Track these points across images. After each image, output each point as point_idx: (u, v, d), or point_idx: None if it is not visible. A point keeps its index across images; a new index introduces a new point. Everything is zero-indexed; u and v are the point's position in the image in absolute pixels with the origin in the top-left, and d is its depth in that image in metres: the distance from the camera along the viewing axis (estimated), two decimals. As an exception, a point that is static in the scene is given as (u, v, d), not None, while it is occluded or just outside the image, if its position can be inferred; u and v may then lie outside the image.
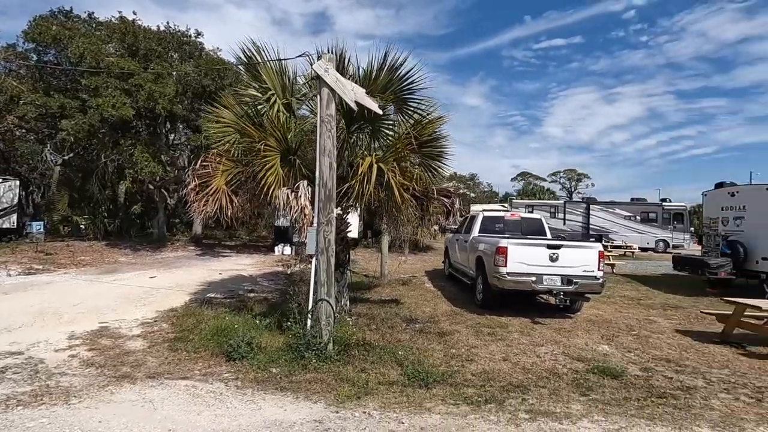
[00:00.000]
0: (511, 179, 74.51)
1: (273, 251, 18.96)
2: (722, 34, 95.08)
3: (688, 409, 4.01)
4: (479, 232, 9.29)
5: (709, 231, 12.20)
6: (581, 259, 7.27)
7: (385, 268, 11.40)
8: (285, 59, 6.06)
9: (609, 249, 24.25)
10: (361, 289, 10.32)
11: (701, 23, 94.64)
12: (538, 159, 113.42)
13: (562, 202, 30.02)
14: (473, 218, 9.90)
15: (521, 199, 43.20)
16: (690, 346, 6.25)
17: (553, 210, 28.88)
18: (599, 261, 7.29)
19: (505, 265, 7.24)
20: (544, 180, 74.54)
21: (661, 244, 26.71)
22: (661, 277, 14.29)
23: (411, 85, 6.34)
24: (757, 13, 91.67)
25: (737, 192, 11.04)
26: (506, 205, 33.11)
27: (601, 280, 7.29)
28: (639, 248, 24.33)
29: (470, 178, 67.92)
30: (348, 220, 7.57)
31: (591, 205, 28.29)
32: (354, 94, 5.31)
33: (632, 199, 29.08)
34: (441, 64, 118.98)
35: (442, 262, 13.66)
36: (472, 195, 65.00)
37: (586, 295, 7.71)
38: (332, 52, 5.80)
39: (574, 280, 7.18)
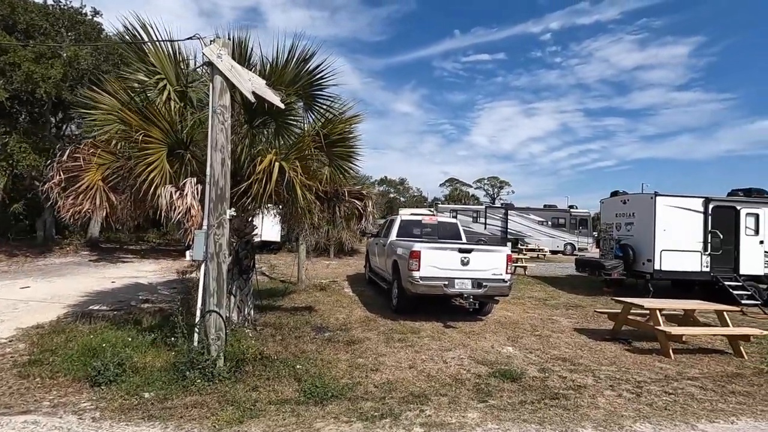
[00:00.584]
0: (440, 185, 77.31)
1: (185, 256, 17.44)
2: (621, 62, 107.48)
3: (576, 409, 4.11)
4: (397, 236, 9.20)
5: (605, 235, 13.36)
6: (491, 263, 7.42)
7: (303, 273, 10.89)
8: (175, 41, 5.40)
9: (524, 252, 25.95)
10: (275, 296, 9.73)
11: (605, 50, 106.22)
12: (466, 166, 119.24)
13: (483, 207, 31.51)
14: (392, 222, 9.80)
15: (447, 204, 44.81)
16: (585, 344, 6.60)
17: (475, 215, 30.18)
18: (507, 264, 7.50)
19: (418, 269, 7.17)
20: (470, 186, 78.40)
21: (568, 247, 29.09)
22: (566, 278, 15.39)
23: (321, 81, 6.02)
24: (648, 46, 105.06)
25: (628, 200, 12.20)
26: (433, 209, 34.02)
27: (509, 283, 7.50)
28: (550, 251, 26.26)
29: (400, 183, 69.27)
30: (255, 223, 7.03)
31: (509, 211, 30.00)
32: (252, 84, 4.84)
33: (545, 206, 31.36)
34: (376, 71, 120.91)
35: (364, 266, 13.46)
36: (402, 199, 66.37)
37: (495, 298, 7.91)
38: (231, 39, 5.27)
39: (484, 284, 7.31)
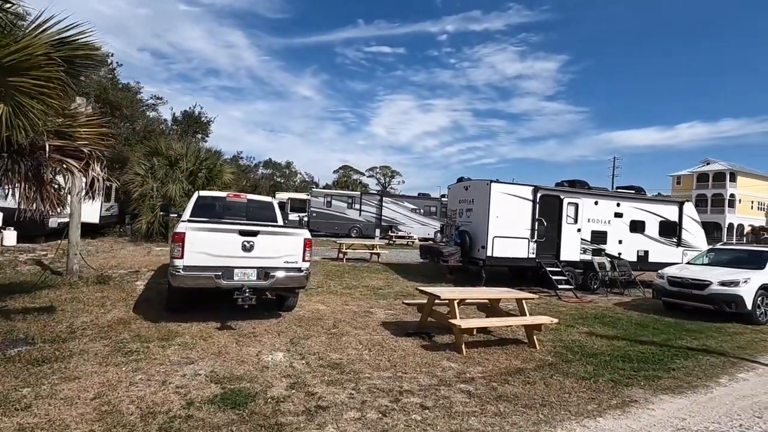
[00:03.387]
0: (333, 171, 76.00)
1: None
2: (505, 69, 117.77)
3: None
4: (190, 216, 7.37)
5: (450, 222, 13.20)
6: (283, 249, 6.11)
7: (75, 261, 8.41)
8: None
9: (394, 239, 25.91)
10: (22, 292, 7.21)
11: (492, 57, 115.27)
12: (365, 155, 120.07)
13: (358, 193, 30.80)
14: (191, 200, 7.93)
15: (323, 189, 43.57)
16: (379, 343, 5.68)
17: (350, 201, 29.31)
18: (305, 250, 6.26)
19: (181, 257, 5.52)
20: (363, 174, 78.66)
21: (438, 234, 29.94)
22: (418, 265, 15.10)
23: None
24: (526, 58, 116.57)
25: (469, 186, 12.08)
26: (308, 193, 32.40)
27: (306, 272, 6.28)
28: (420, 238, 26.61)
29: (286, 166, 65.92)
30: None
31: (384, 198, 29.78)
32: None
33: (419, 194, 31.87)
34: (275, 49, 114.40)
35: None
36: (287, 183, 63.18)
37: (296, 291, 6.67)
38: None
39: (272, 273, 5.97)
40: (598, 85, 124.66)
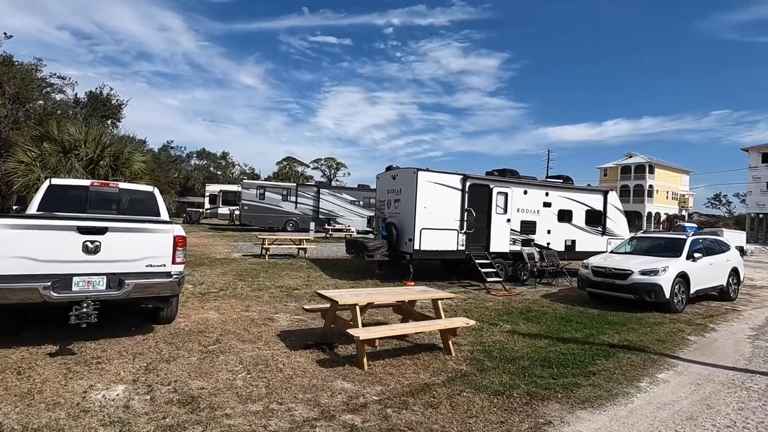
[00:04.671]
0: (276, 163, 73.23)
1: None
2: (450, 64, 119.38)
3: None
4: (38, 211, 5.87)
5: (378, 213, 12.40)
6: (144, 249, 4.88)
7: None
8: None
9: (330, 232, 24.80)
10: None
11: (437, 52, 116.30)
12: (312, 148, 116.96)
13: (294, 185, 29.22)
14: (40, 190, 6.38)
15: (254, 180, 41.41)
16: (265, 361, 4.68)
17: (285, 193, 27.72)
18: (176, 250, 5.08)
19: (-12, 264, 4.14)
20: (308, 166, 76.74)
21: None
22: (347, 260, 14.20)
23: None
24: (469, 54, 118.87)
25: (397, 175, 11.31)
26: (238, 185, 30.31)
27: (178, 277, 5.10)
28: (358, 231, 25.71)
29: (222, 157, 62.15)
30: None
31: (321, 190, 28.50)
32: None
33: (359, 186, 30.93)
34: (216, 35, 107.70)
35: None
36: (224, 174, 59.56)
37: (170, 299, 5.45)
38: None
39: (128, 281, 4.73)
40: (536, 82, 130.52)
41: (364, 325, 5.01)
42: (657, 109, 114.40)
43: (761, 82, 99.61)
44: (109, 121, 23.41)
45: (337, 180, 75.84)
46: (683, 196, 59.24)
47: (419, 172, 10.21)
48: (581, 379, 4.59)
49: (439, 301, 5.71)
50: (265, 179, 62.89)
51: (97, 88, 23.18)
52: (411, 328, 5.14)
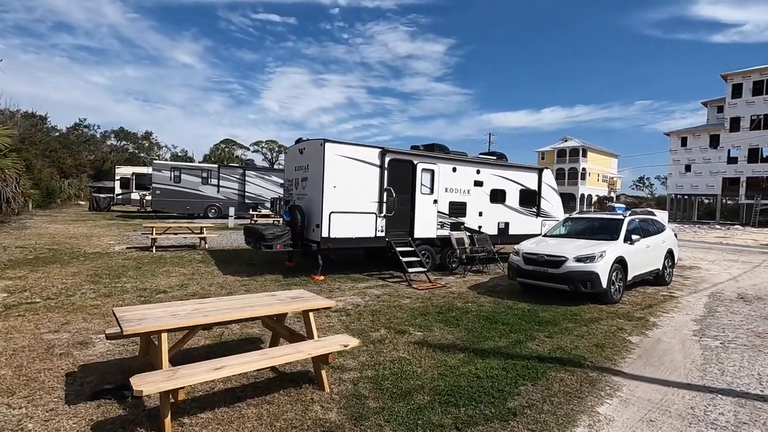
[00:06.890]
0: (214, 145, 68.02)
1: None
2: (397, 48, 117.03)
3: None
4: None
5: (285, 196, 10.51)
6: None
7: None
8: None
9: (255, 219, 22.41)
10: None
11: (384, 35, 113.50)
12: (257, 131, 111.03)
13: (216, 166, 26.23)
14: None
15: (167, 161, 37.56)
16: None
17: (205, 175, 24.75)
18: None
19: None
20: (248, 149, 72.57)
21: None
22: (252, 250, 12.21)
23: None
24: (416, 39, 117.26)
25: (304, 149, 9.45)
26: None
27: None
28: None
29: (144, 137, 56.24)
30: None
31: (247, 172, 25.82)
32: None
33: (291, 167, 28.53)
34: (146, 7, 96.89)
35: None
36: (147, 156, 53.96)
37: None
38: None
39: None
40: (480, 69, 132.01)
41: (204, 350, 3.22)
42: (589, 98, 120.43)
43: (677, 75, 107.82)
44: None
45: (279, 163, 72.18)
46: (612, 178, 62.37)
47: (326, 144, 8.42)
48: (496, 426, 3.16)
49: (312, 313, 4.04)
50: (199, 162, 58.01)
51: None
52: (250, 362, 3.33)
